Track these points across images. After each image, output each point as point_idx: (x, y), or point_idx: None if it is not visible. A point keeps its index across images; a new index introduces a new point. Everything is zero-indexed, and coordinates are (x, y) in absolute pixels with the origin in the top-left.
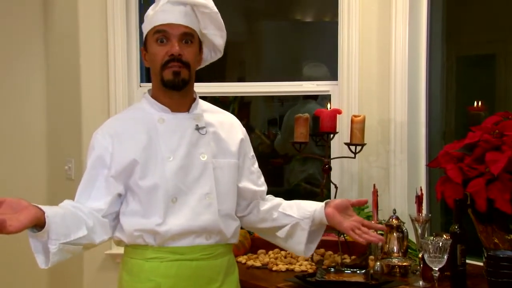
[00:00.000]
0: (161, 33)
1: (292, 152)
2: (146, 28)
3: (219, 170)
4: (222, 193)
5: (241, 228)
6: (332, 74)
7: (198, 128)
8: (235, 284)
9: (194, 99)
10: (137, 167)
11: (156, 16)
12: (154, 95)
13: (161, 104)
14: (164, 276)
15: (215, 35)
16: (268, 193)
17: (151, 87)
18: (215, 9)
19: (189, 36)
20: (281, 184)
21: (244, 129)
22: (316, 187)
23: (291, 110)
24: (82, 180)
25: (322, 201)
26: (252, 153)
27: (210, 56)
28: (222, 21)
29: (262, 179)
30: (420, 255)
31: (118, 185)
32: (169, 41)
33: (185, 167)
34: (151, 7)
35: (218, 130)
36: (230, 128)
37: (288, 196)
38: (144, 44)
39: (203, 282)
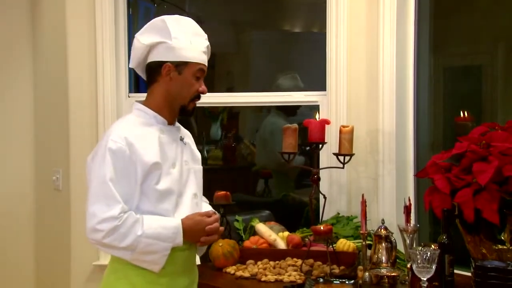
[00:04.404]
0: (201, 72)
1: (273, 163)
2: (192, 57)
3: (197, 174)
4: (199, 193)
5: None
6: (320, 85)
7: (181, 139)
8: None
9: None
10: (158, 171)
11: (201, 54)
12: (156, 108)
13: (162, 117)
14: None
15: None
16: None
17: (143, 99)
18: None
19: None
20: (268, 194)
21: None
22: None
23: (263, 123)
24: (112, 189)
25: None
26: None
27: None
28: None
29: None
30: (408, 265)
31: (140, 190)
32: (200, 79)
33: (180, 172)
34: (182, 36)
35: (188, 140)
36: (191, 138)
37: (276, 207)
38: (176, 64)
39: (190, 265)
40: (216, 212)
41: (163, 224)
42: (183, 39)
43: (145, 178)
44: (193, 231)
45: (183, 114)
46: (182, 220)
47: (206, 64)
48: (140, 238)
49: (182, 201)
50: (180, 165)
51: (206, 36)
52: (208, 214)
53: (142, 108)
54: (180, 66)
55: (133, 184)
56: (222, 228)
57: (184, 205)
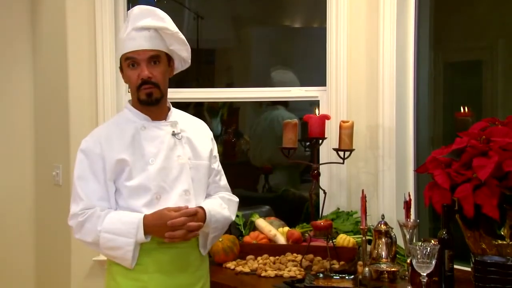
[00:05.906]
0: (131, 59)
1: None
2: (119, 53)
3: (194, 170)
4: (197, 189)
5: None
6: (320, 80)
7: (174, 134)
8: (207, 271)
9: (169, 109)
10: (126, 168)
11: (125, 43)
12: (135, 106)
13: (143, 114)
14: (149, 262)
15: (181, 50)
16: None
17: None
18: (175, 29)
19: (156, 58)
20: (269, 190)
21: (210, 131)
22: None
23: (258, 119)
24: (78, 187)
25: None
26: (215, 153)
27: (180, 66)
28: (184, 37)
29: (219, 176)
30: (408, 261)
31: (113, 186)
32: (139, 65)
33: (166, 168)
34: (122, 31)
35: (191, 136)
36: (201, 133)
37: (276, 202)
38: (120, 65)
39: (183, 265)
40: (201, 209)
41: (124, 219)
42: (121, 36)
43: (116, 175)
44: (155, 226)
45: (143, 104)
46: (145, 215)
47: (137, 47)
48: (100, 233)
49: (167, 198)
50: (167, 160)
51: (147, 16)
52: (177, 209)
53: (128, 106)
54: (120, 65)
55: (102, 181)
56: (192, 224)
57: (170, 202)
